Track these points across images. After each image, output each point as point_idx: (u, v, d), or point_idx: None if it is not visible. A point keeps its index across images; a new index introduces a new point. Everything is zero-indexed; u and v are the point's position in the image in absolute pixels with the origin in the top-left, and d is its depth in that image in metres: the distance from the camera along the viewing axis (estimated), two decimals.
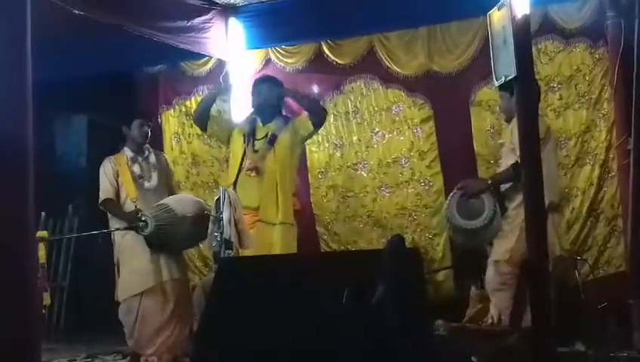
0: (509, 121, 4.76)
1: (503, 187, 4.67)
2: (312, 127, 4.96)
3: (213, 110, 5.32)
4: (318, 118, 5.01)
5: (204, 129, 5.21)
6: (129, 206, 4.94)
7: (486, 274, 4.71)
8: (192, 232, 4.77)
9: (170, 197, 5.05)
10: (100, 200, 5.02)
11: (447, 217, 4.75)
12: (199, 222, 4.65)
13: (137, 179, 5.03)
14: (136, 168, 5.07)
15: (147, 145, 5.20)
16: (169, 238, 4.76)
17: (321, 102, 5.01)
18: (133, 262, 4.90)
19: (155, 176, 5.11)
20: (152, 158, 5.17)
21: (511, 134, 4.62)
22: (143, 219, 4.69)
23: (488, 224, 4.53)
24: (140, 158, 5.11)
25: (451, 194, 4.79)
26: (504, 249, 4.57)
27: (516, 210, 4.56)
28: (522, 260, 4.49)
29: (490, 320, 4.42)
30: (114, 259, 5.04)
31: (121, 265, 4.98)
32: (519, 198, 4.55)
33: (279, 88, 5.10)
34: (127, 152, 5.11)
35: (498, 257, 4.61)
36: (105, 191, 5.00)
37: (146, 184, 5.06)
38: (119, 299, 4.95)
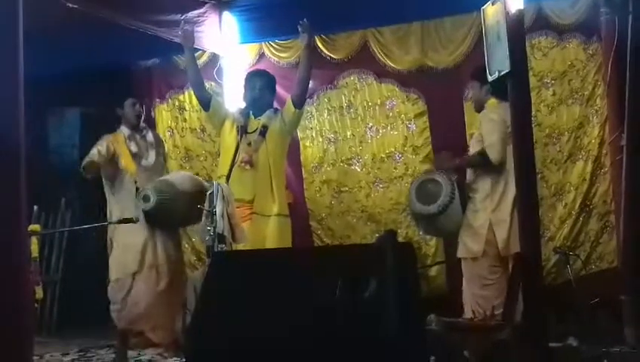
0: (479, 111, 4.84)
1: (468, 178, 4.71)
2: (293, 107, 4.90)
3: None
4: (297, 94, 4.93)
5: (206, 107, 5.06)
6: (128, 181, 4.93)
7: (463, 271, 4.71)
8: (191, 209, 4.72)
9: (169, 174, 5.07)
10: (82, 164, 4.94)
11: (409, 204, 4.84)
12: (197, 200, 4.61)
13: (135, 157, 5.02)
14: (133, 146, 5.05)
15: (144, 124, 5.20)
16: (169, 213, 4.78)
17: (303, 81, 4.96)
18: (128, 240, 4.89)
19: (152, 153, 5.11)
20: (150, 136, 5.19)
21: (480, 124, 4.69)
22: (145, 193, 4.69)
23: (443, 210, 4.55)
24: (137, 136, 5.11)
25: (412, 181, 4.95)
26: (478, 244, 4.57)
27: (484, 203, 4.58)
28: (502, 255, 4.52)
29: (472, 316, 4.41)
30: (107, 237, 5.01)
31: (115, 243, 4.96)
32: (486, 190, 4.57)
33: (272, 82, 5.09)
34: (125, 130, 5.11)
35: (472, 253, 4.61)
36: (90, 155, 4.94)
37: (144, 162, 5.06)
38: (111, 278, 4.93)
